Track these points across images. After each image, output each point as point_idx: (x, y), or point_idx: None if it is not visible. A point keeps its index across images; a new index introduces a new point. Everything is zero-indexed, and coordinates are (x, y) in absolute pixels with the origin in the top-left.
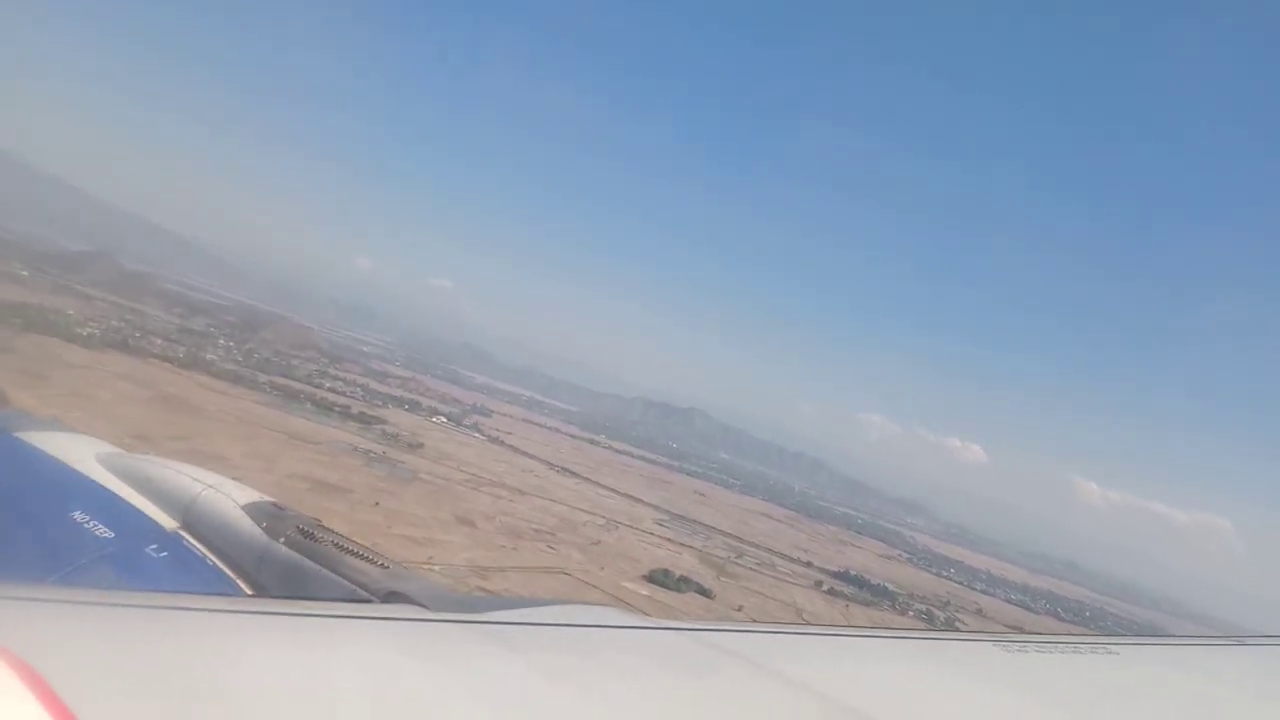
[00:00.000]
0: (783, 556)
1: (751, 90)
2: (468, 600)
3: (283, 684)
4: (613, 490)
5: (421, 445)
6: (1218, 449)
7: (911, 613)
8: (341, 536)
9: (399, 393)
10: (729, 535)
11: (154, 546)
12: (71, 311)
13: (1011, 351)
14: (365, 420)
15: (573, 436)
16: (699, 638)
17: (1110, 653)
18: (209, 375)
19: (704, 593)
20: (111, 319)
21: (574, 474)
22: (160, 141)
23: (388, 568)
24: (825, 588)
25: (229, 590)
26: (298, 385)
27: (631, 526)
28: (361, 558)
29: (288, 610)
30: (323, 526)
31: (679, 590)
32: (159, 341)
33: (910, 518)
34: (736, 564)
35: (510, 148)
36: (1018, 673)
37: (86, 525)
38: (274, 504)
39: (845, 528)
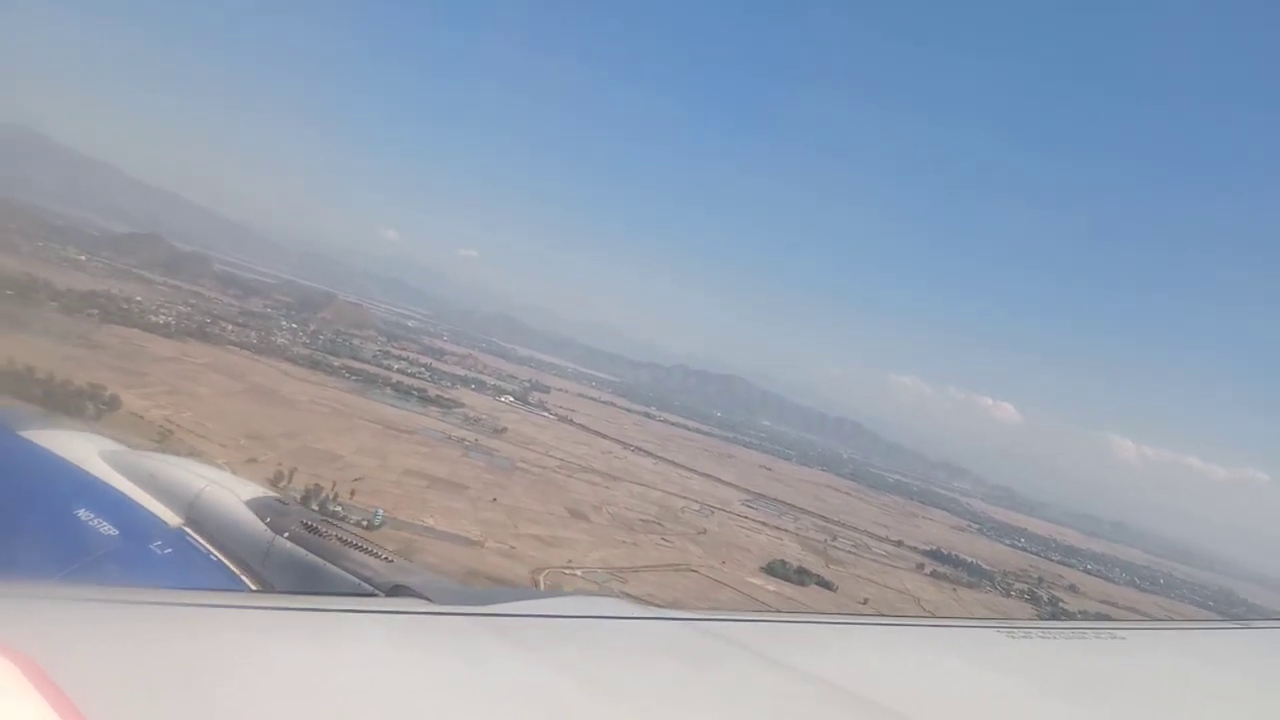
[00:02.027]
0: (871, 536)
1: (771, 56)
2: (472, 593)
3: (289, 678)
4: (689, 469)
5: (504, 430)
6: (1253, 402)
7: (1013, 594)
8: (344, 530)
9: (461, 371)
10: (813, 514)
11: (158, 543)
12: (139, 298)
13: (1039, 309)
14: (444, 404)
15: (628, 410)
16: (703, 628)
17: (1116, 638)
18: (287, 361)
19: (825, 585)
20: (178, 304)
21: (648, 453)
22: (183, 117)
23: (391, 561)
24: (927, 570)
25: (233, 586)
26: (371, 369)
27: (724, 510)
28: (365, 551)
29: (293, 605)
30: (326, 520)
31: (801, 583)
32: (229, 327)
33: (956, 481)
34: (835, 548)
35: (527, 116)
36: (1023, 659)
37: (91, 523)
38: (277, 499)
39: (906, 497)
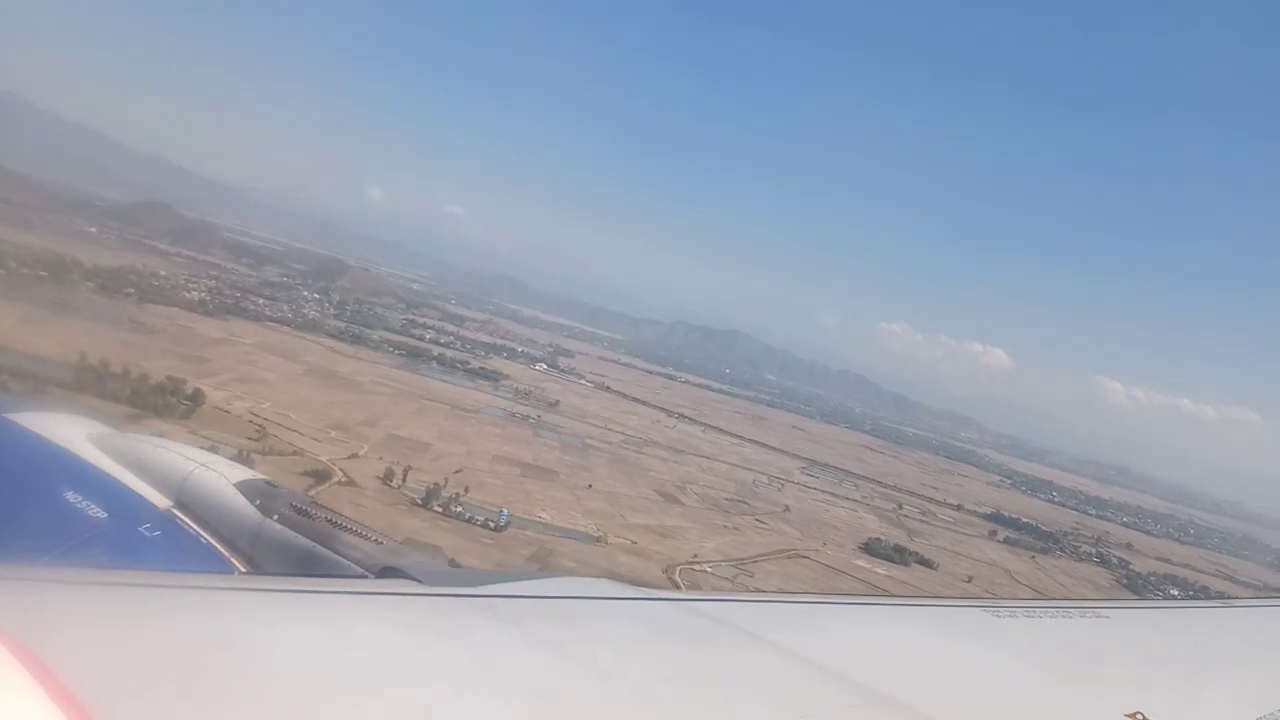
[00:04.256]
0: (930, 501)
1: (751, 7)
2: (462, 574)
3: (279, 660)
4: (736, 436)
5: (557, 403)
6: (1241, 343)
7: (1083, 558)
8: (334, 512)
9: (487, 338)
10: (868, 480)
11: (147, 525)
12: (164, 273)
13: (1022, 252)
14: (489, 377)
15: (649, 373)
16: (690, 607)
17: (1101, 617)
18: (328, 337)
19: (925, 563)
20: (202, 278)
21: (691, 420)
22: (152, 78)
23: (381, 543)
24: (1000, 538)
25: (223, 568)
26: (408, 341)
27: (791, 481)
28: (355, 533)
29: (283, 587)
30: (315, 503)
31: (903, 563)
32: (260, 300)
33: (963, 431)
34: (906, 517)
35: (502, 69)
36: (1008, 637)
37: (79, 506)
38: (266, 481)
39: (933, 453)
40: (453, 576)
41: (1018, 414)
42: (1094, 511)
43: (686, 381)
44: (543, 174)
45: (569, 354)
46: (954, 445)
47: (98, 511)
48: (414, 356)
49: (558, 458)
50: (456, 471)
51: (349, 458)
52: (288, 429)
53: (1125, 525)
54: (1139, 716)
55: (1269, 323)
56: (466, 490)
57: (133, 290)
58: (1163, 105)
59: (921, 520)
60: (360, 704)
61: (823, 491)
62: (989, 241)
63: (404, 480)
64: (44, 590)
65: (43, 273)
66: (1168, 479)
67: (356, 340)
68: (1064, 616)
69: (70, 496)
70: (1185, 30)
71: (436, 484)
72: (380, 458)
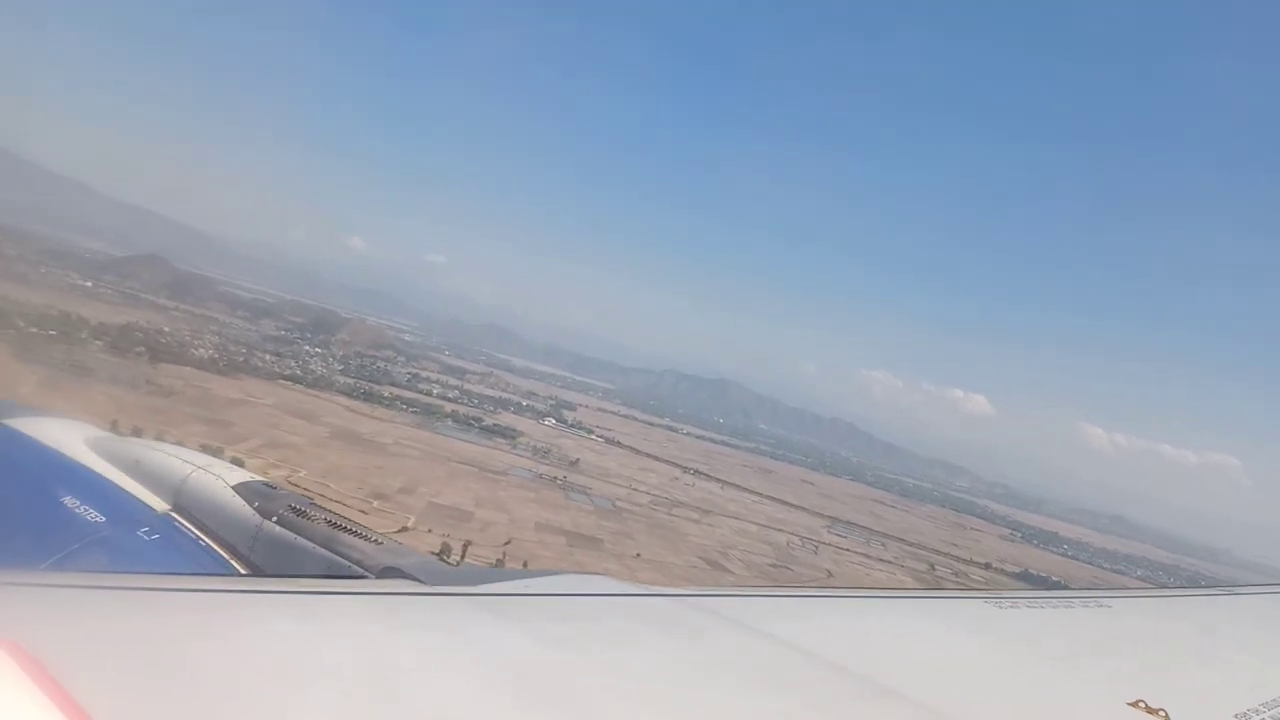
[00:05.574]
0: (959, 560)
1: (739, 52)
2: (462, 573)
3: (280, 661)
4: (754, 493)
5: (577, 461)
6: (1218, 386)
7: None
8: (333, 514)
9: (491, 391)
10: (893, 538)
11: (146, 529)
12: (168, 329)
13: (1001, 297)
14: (505, 434)
15: (650, 425)
16: (691, 603)
17: (1103, 606)
18: (340, 394)
19: None
20: (205, 333)
21: (707, 475)
22: (132, 128)
23: (381, 543)
24: None
25: (222, 570)
26: (419, 397)
27: (821, 542)
28: (355, 534)
29: (283, 588)
30: (314, 504)
31: None
32: (266, 357)
33: (956, 480)
34: (941, 580)
35: (484, 113)
36: (1009, 627)
37: (78, 510)
38: (265, 483)
39: (940, 506)
40: (453, 576)
41: (1003, 461)
42: (1107, 565)
43: (688, 433)
44: (525, 221)
45: (571, 406)
46: (955, 496)
47: (96, 516)
48: (428, 414)
49: (596, 523)
50: (506, 543)
51: (399, 531)
52: (331, 500)
53: (1140, 579)
54: (1141, 704)
55: (1248, 363)
56: (525, 565)
57: (143, 349)
58: (1132, 143)
59: (956, 581)
60: (363, 704)
61: (855, 552)
62: (963, 286)
63: (464, 556)
64: (44, 595)
65: (51, 331)
66: (1159, 527)
67: (369, 398)
68: (1065, 606)
69: (68, 501)
70: (1158, 60)
71: (499, 560)
72: (430, 530)
